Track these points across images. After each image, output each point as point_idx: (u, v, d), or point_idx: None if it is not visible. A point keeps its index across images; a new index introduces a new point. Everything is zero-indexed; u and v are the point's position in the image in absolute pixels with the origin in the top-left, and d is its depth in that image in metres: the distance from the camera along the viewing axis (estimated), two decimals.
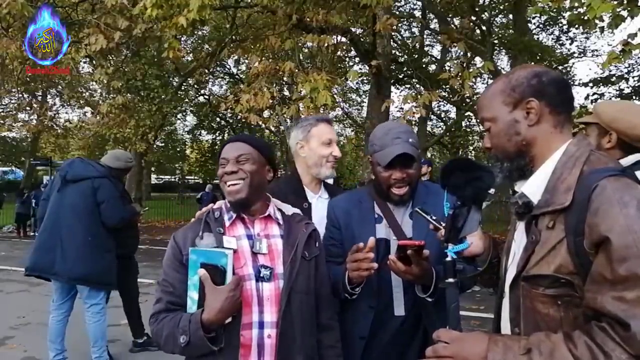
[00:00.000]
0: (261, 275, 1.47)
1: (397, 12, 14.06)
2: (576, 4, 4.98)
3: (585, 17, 4.62)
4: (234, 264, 1.43)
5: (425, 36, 17.38)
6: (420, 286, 1.63)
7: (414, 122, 14.72)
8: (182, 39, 11.32)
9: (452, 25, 10.96)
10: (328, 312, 1.65)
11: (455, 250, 1.27)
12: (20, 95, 16.78)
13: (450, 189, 1.31)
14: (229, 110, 8.99)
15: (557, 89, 1.11)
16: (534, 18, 15.36)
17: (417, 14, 16.09)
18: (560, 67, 14.78)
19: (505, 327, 1.14)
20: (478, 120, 16.43)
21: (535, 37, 15.11)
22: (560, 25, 16.56)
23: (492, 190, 1.34)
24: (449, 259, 1.27)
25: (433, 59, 18.15)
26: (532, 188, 1.11)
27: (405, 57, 14.89)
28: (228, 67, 22.25)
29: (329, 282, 1.65)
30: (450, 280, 1.26)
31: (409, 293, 1.69)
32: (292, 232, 1.57)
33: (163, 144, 28.82)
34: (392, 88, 13.96)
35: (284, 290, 1.48)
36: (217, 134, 28.92)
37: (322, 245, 1.68)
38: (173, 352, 1.42)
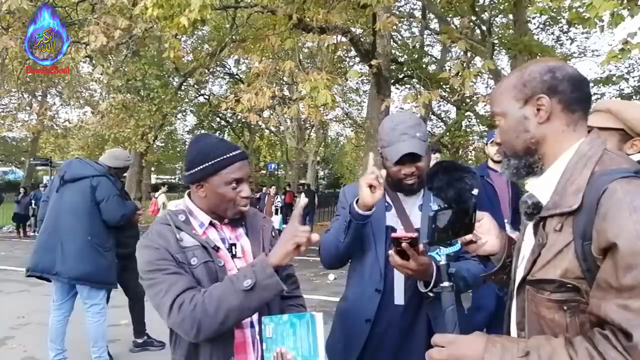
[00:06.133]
0: None
1: (397, 12, 14.06)
2: (577, 3, 4.97)
3: (586, 16, 4.62)
4: (225, 266, 1.45)
5: (425, 36, 17.38)
6: (422, 282, 1.63)
7: None
8: (182, 39, 11.32)
9: (452, 25, 10.95)
10: (291, 286, 1.71)
11: (445, 252, 1.25)
12: (20, 95, 16.76)
13: (434, 191, 1.30)
14: (229, 110, 8.99)
15: (572, 86, 1.05)
16: (534, 18, 15.35)
17: (417, 14, 16.10)
18: None
19: (514, 330, 1.13)
20: (478, 120, 16.49)
21: (535, 37, 15.08)
22: (560, 25, 16.55)
23: (475, 191, 1.32)
24: (443, 262, 1.25)
25: (433, 59, 18.16)
26: (542, 188, 1.07)
27: (405, 57, 14.90)
28: (228, 67, 22.29)
29: (289, 263, 1.72)
30: (445, 284, 1.24)
31: (409, 282, 1.71)
32: (253, 227, 1.61)
33: (163, 144, 28.83)
34: (392, 88, 13.96)
35: None
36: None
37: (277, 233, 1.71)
38: (226, 317, 1.32)
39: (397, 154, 1.66)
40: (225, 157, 1.47)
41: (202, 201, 1.51)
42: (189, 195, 1.57)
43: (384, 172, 1.65)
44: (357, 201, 1.64)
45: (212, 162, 1.46)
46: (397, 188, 1.78)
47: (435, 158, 3.55)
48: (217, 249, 1.47)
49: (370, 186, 1.58)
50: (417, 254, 1.49)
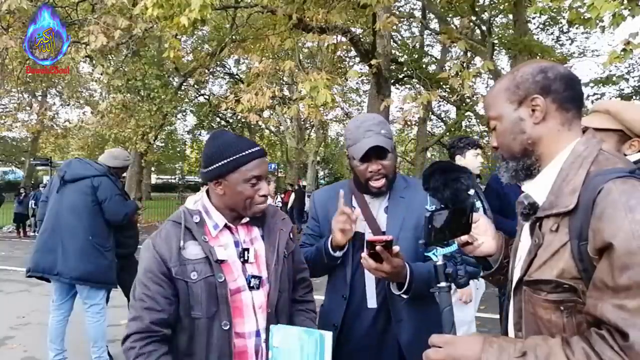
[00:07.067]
0: (251, 285, 1.47)
1: (397, 12, 14.06)
2: (578, 3, 4.97)
3: (587, 16, 4.62)
4: (227, 277, 1.42)
5: (425, 36, 17.39)
6: (395, 284, 1.65)
7: (414, 122, 14.73)
8: (182, 39, 11.33)
9: (452, 25, 10.96)
10: (304, 289, 1.70)
11: (442, 252, 1.24)
12: (20, 95, 16.77)
13: (430, 192, 1.30)
14: (229, 110, 9.00)
15: (564, 85, 1.05)
16: (534, 18, 15.35)
17: (417, 14, 16.10)
18: None
19: (511, 331, 1.13)
20: (478, 120, 16.48)
21: (535, 37, 15.09)
22: (560, 25, 16.55)
23: (471, 192, 1.32)
24: (440, 263, 1.24)
25: (433, 59, 18.16)
26: (538, 188, 1.07)
27: (405, 57, 14.92)
28: (228, 67, 22.30)
29: (304, 266, 1.73)
30: (442, 284, 1.23)
31: (380, 285, 1.74)
32: (271, 230, 1.56)
33: (163, 144, 28.83)
34: (392, 88, 13.97)
35: (272, 297, 1.49)
36: None
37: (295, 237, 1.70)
38: None
39: (363, 149, 1.67)
40: (244, 153, 1.43)
41: (220, 199, 1.47)
42: (207, 193, 1.53)
43: (357, 211, 1.68)
44: (330, 240, 1.69)
45: (232, 158, 1.41)
46: (364, 190, 1.79)
47: (476, 154, 3.45)
48: (220, 262, 1.43)
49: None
50: (390, 257, 1.50)
